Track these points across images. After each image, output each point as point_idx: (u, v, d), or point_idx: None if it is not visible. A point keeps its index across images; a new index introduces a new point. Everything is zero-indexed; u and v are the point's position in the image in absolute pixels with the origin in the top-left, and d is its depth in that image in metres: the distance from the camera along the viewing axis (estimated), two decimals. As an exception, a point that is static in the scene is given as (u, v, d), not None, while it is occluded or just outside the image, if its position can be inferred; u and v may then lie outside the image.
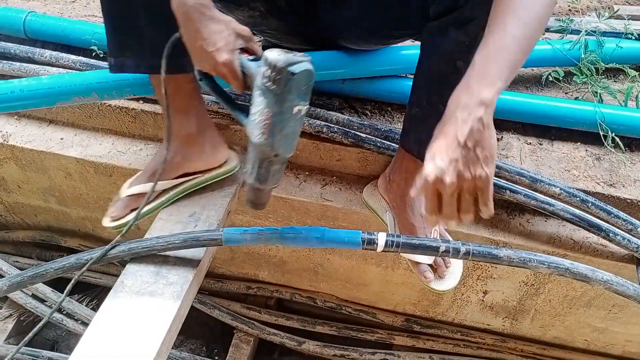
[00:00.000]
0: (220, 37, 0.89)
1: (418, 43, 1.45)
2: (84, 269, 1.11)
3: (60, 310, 1.84)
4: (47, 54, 1.53)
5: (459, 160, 0.78)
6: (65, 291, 1.13)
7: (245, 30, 0.93)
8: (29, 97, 1.40)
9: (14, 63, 1.53)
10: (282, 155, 0.92)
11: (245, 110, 0.93)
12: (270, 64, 0.83)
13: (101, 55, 1.50)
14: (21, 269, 1.84)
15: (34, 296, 1.85)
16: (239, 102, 1.02)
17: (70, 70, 1.50)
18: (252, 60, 0.91)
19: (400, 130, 1.27)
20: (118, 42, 1.10)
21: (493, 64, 0.80)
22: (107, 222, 1.24)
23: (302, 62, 0.83)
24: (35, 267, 1.17)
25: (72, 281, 1.12)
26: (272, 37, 1.34)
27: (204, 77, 1.00)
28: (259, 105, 0.87)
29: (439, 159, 0.78)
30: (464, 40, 0.98)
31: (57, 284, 1.91)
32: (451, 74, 0.99)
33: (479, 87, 0.78)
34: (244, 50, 0.93)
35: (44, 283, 1.83)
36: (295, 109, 0.87)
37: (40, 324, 1.12)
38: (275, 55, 0.83)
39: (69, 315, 1.83)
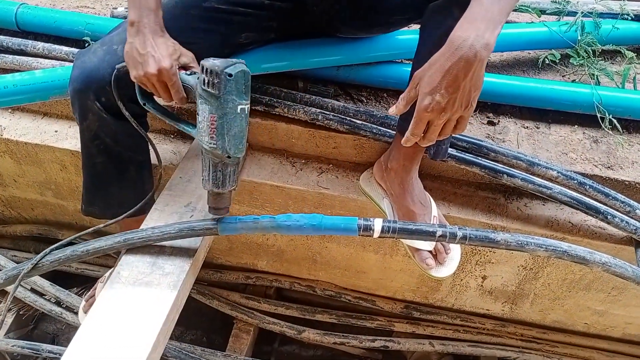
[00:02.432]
0: (165, 47, 1.00)
1: (415, 27, 1.45)
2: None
3: (59, 303, 1.84)
4: (40, 46, 1.52)
5: (457, 99, 0.86)
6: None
7: (188, 52, 1.05)
8: (22, 92, 1.40)
9: (6, 56, 1.52)
10: (234, 155, 0.96)
11: (191, 123, 1.02)
12: (208, 70, 0.90)
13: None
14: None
15: (33, 290, 1.84)
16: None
17: (63, 62, 1.49)
18: (190, 74, 1.00)
19: (398, 117, 1.26)
20: (88, 198, 1.27)
21: (497, 5, 0.83)
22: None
23: (237, 64, 0.91)
24: (30, 260, 1.17)
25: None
26: (266, 30, 1.32)
27: (147, 100, 1.07)
28: (203, 112, 0.93)
29: (439, 95, 0.85)
30: None
31: (56, 277, 1.91)
32: None
33: (485, 28, 0.82)
34: (183, 68, 1.02)
35: (42, 276, 1.82)
36: (239, 109, 0.93)
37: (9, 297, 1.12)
38: (211, 61, 0.91)
39: (68, 309, 1.83)
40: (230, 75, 0.89)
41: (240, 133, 0.95)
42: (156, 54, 0.98)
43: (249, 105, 0.94)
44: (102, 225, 1.16)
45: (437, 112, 0.87)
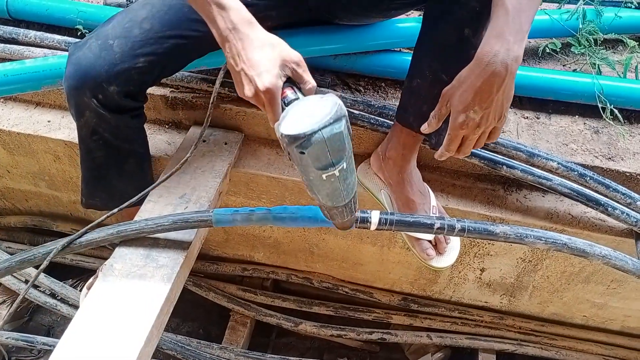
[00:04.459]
0: (263, 60, 0.83)
1: (414, 15, 1.43)
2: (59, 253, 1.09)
3: (54, 295, 1.82)
4: (32, 34, 1.49)
5: (491, 113, 0.86)
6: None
7: (294, 55, 0.86)
8: (13, 82, 1.37)
9: (-3, 44, 1.49)
10: (334, 206, 0.87)
11: None
12: (281, 137, 0.74)
13: (86, 35, 1.46)
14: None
15: (27, 282, 1.83)
16: None
17: (55, 51, 1.46)
18: (293, 99, 0.84)
19: (397, 106, 1.24)
20: (89, 191, 1.25)
21: (524, 14, 0.82)
22: None
23: (318, 131, 0.72)
24: (23, 252, 1.15)
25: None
26: (264, 19, 1.28)
27: None
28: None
29: (473, 112, 0.85)
30: (474, 5, 0.95)
31: (51, 269, 1.89)
32: (458, 42, 0.99)
33: (513, 41, 0.81)
34: (290, 79, 0.87)
35: (35, 268, 1.80)
36: (324, 177, 0.78)
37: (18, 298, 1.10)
38: (282, 129, 0.74)
39: (63, 301, 1.81)
40: (302, 152, 0.74)
41: (334, 192, 0.83)
42: (250, 71, 0.83)
43: (341, 168, 0.78)
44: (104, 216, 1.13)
45: (472, 128, 0.88)
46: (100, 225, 1.11)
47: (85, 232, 1.10)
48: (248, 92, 0.85)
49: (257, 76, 0.82)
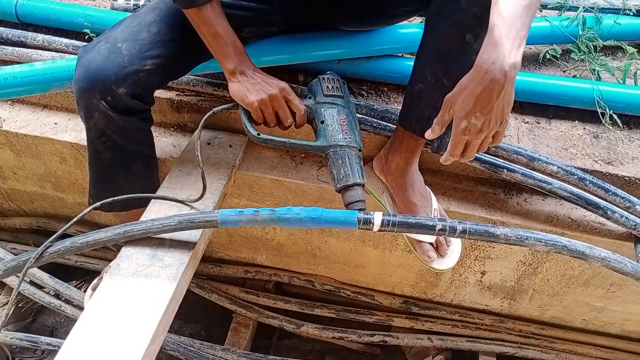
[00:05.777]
0: (270, 76, 1.13)
1: (416, 21, 1.45)
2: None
3: (58, 296, 1.84)
4: (40, 37, 1.52)
5: (492, 118, 0.88)
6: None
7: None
8: (22, 84, 1.39)
9: (6, 47, 1.51)
10: (361, 147, 1.15)
11: (306, 140, 1.16)
12: (330, 79, 1.18)
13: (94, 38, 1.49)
14: (19, 256, 1.83)
15: (32, 282, 1.84)
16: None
17: (63, 54, 1.48)
18: None
19: (399, 110, 1.26)
20: (97, 192, 1.28)
21: (520, 21, 0.83)
22: None
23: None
24: (30, 252, 1.16)
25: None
26: (269, 24, 1.31)
27: (260, 131, 1.14)
28: (331, 115, 1.14)
29: (474, 117, 0.87)
30: (475, 11, 0.97)
31: (56, 270, 1.91)
32: (459, 47, 1.00)
33: (510, 47, 0.82)
34: None
35: (40, 269, 1.82)
36: (354, 107, 1.20)
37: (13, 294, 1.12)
38: (325, 74, 1.19)
39: (67, 302, 1.82)
40: (344, 82, 1.20)
41: (359, 127, 1.18)
42: (269, 80, 1.11)
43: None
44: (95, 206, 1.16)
45: (475, 133, 0.90)
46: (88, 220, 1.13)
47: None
48: (274, 89, 1.10)
49: (276, 80, 1.12)
